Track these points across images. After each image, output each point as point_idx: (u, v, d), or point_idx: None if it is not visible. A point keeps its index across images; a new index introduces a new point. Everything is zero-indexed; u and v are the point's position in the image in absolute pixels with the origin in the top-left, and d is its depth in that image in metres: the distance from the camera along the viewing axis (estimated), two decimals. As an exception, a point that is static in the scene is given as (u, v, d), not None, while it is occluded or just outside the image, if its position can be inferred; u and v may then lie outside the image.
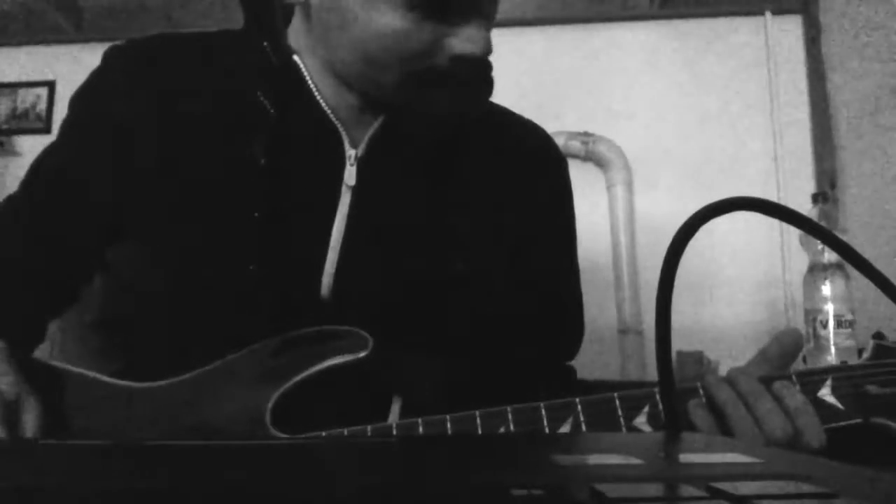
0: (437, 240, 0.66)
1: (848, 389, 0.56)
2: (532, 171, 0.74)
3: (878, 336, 0.62)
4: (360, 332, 0.60)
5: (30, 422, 0.56)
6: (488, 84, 0.69)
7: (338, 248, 0.64)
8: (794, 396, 0.54)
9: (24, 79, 2.35)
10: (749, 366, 0.60)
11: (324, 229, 0.64)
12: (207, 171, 0.64)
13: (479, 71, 0.62)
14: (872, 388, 0.55)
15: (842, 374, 0.56)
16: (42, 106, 2.32)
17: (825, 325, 1.16)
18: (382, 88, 0.62)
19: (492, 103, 0.73)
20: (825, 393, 0.56)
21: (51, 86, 2.34)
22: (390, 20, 0.56)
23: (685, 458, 0.27)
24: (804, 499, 0.19)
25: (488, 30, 0.60)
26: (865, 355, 0.59)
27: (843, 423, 0.55)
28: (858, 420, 0.55)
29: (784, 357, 0.59)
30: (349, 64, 0.61)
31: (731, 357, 1.87)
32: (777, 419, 0.53)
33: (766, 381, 0.56)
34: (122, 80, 0.67)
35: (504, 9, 0.64)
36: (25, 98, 2.33)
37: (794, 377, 0.57)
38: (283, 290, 0.63)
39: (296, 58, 0.64)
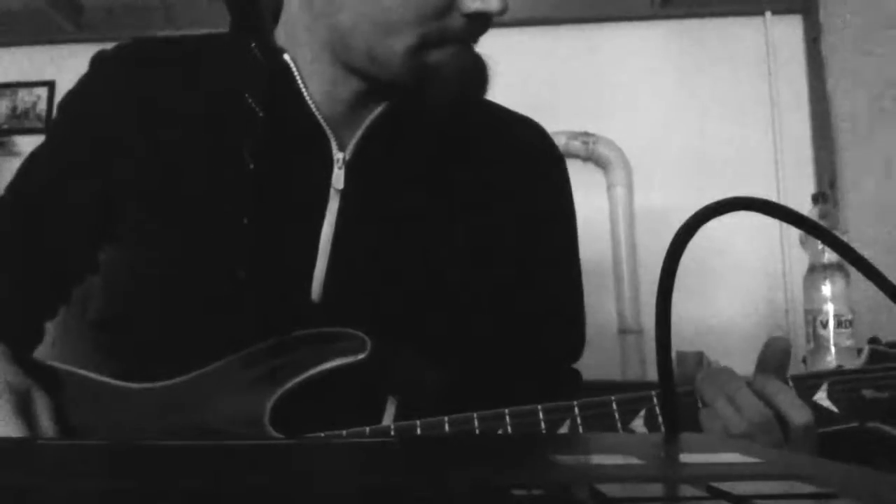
0: (428, 242, 0.66)
1: (843, 394, 0.56)
2: (529, 168, 0.73)
3: (874, 341, 0.63)
4: (359, 334, 0.60)
5: (43, 412, 0.57)
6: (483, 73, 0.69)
7: (327, 251, 0.64)
8: (771, 383, 0.55)
9: (24, 79, 2.35)
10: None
11: (313, 233, 0.64)
12: (196, 175, 0.64)
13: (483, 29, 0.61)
14: (868, 393, 0.56)
15: (837, 379, 0.57)
16: (42, 106, 2.32)
17: (825, 325, 1.16)
18: (390, 61, 0.59)
19: (486, 100, 0.73)
20: (821, 397, 0.56)
21: (51, 86, 2.34)
22: None
23: (685, 458, 0.27)
24: (804, 499, 0.19)
25: None
26: (861, 360, 0.60)
27: (838, 427, 0.56)
28: (854, 424, 0.56)
29: (775, 364, 0.59)
30: (358, 36, 0.59)
31: (731, 357, 1.87)
32: (754, 405, 0.54)
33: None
34: (108, 85, 0.67)
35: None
36: (25, 98, 2.33)
37: (789, 381, 0.57)
38: (274, 295, 0.63)
39: (286, 57, 0.63)
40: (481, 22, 0.59)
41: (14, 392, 0.56)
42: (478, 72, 0.62)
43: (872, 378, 0.56)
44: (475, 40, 0.61)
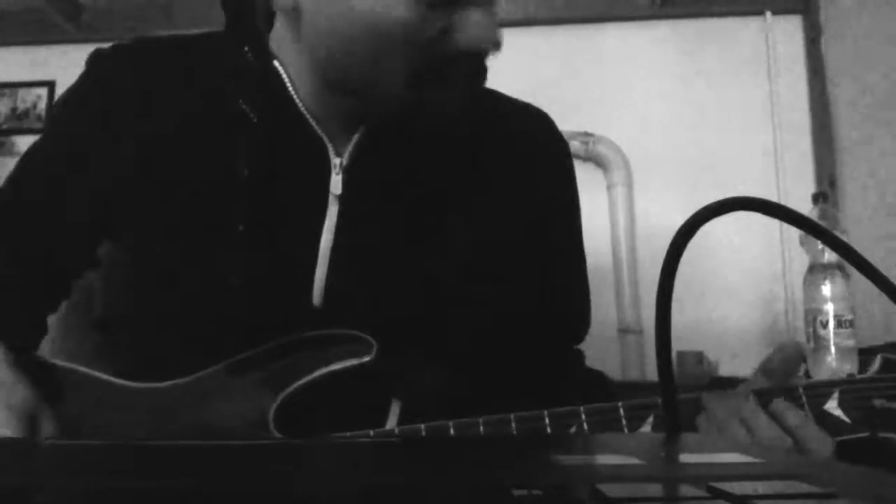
0: (429, 244, 0.66)
1: (854, 403, 0.56)
2: (533, 156, 0.72)
3: (886, 349, 0.62)
4: (365, 337, 0.60)
5: (48, 431, 0.57)
6: (482, 74, 0.69)
7: (327, 256, 0.63)
8: (791, 413, 0.54)
9: (24, 79, 2.35)
10: (752, 380, 0.60)
11: (312, 239, 0.63)
12: (188, 181, 0.63)
13: (478, 64, 0.59)
14: (879, 402, 0.55)
15: (848, 388, 0.56)
16: (42, 106, 2.32)
17: (825, 325, 1.16)
18: (382, 88, 0.58)
19: (487, 90, 0.72)
20: (832, 406, 0.56)
21: (51, 86, 2.34)
22: (396, 12, 0.54)
23: (685, 458, 0.27)
24: (804, 499, 0.19)
25: (494, 18, 0.57)
26: (872, 369, 0.59)
27: (848, 437, 0.55)
28: (864, 434, 0.55)
29: (785, 370, 0.59)
30: (347, 66, 0.58)
31: (731, 357, 1.87)
32: (771, 429, 0.54)
33: (764, 397, 0.56)
34: (104, 83, 0.67)
35: (505, 9, 0.62)
36: (25, 98, 2.33)
37: (800, 389, 0.57)
38: (273, 301, 0.62)
39: (276, 63, 0.62)
40: (475, 59, 0.57)
41: (20, 414, 0.56)
42: (475, 86, 0.61)
43: (884, 387, 0.56)
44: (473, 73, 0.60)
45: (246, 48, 0.63)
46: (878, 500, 0.20)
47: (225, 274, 0.61)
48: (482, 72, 0.66)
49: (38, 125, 2.28)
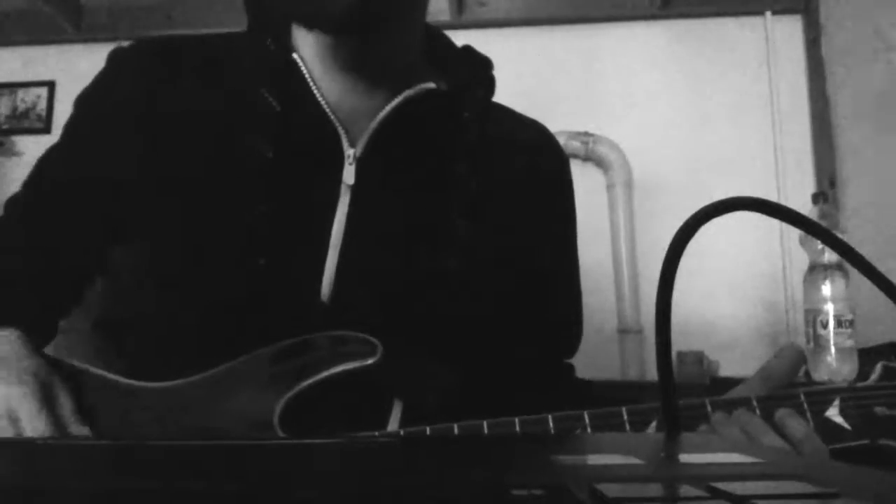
0: (436, 240, 0.66)
1: (855, 410, 0.56)
2: (534, 169, 0.74)
3: (885, 349, 0.63)
4: (369, 339, 0.60)
5: (65, 401, 0.58)
6: (489, 82, 0.69)
7: (337, 248, 0.64)
8: (797, 426, 0.54)
9: (24, 79, 2.35)
10: (750, 383, 0.60)
11: (323, 229, 0.64)
12: (212, 167, 0.64)
13: None
14: (880, 410, 0.55)
15: (849, 395, 0.56)
16: (42, 106, 2.32)
17: (825, 325, 1.15)
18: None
19: (495, 102, 0.74)
20: (832, 413, 0.56)
21: (51, 86, 2.34)
22: None
23: (685, 458, 0.27)
24: (804, 499, 0.19)
25: None
26: (874, 377, 0.59)
27: (849, 444, 0.55)
28: (865, 441, 0.55)
29: (785, 375, 0.59)
30: None
31: (731, 357, 1.88)
32: (780, 446, 0.54)
33: (768, 405, 0.56)
34: (124, 80, 0.67)
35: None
36: (25, 98, 2.33)
37: (801, 396, 0.57)
38: (285, 292, 0.63)
39: (295, 56, 0.64)
40: None
41: (37, 379, 0.57)
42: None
43: (884, 395, 0.56)
44: None
45: (268, 41, 0.64)
46: (879, 500, 0.20)
47: (246, 258, 0.61)
48: (489, 81, 0.68)
49: (39, 125, 2.28)
